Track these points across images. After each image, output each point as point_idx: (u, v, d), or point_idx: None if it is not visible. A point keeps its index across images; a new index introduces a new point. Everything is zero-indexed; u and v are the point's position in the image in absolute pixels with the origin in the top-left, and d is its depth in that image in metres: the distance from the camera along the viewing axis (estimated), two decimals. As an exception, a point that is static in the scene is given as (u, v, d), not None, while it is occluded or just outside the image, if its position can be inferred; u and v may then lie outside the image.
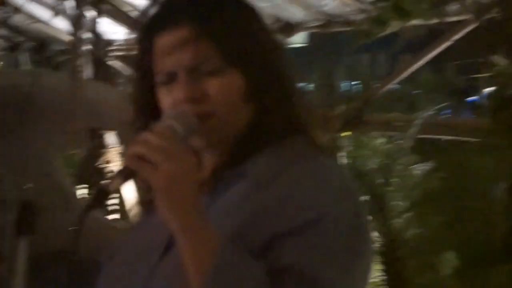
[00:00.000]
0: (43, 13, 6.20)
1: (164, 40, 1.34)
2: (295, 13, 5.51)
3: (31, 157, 4.66)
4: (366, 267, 1.32)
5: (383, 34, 3.39)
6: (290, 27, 5.65)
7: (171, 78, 1.34)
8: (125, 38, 6.95)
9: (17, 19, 6.38)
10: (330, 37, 6.92)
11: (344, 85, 8.91)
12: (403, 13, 2.86)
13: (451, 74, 6.97)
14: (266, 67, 1.36)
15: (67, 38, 5.80)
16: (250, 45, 1.35)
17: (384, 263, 4.08)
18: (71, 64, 4.35)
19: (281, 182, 1.29)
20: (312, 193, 1.28)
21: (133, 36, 1.44)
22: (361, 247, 1.29)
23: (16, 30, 6.64)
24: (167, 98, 1.35)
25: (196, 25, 1.32)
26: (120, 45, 7.22)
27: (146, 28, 1.39)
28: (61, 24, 6.10)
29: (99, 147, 5.12)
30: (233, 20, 1.36)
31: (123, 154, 1.28)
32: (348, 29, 4.90)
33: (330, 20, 5.21)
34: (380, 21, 3.16)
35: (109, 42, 7.23)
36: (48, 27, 6.45)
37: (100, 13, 5.68)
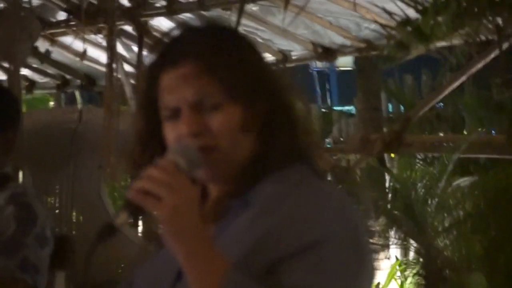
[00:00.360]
0: (90, 50, 6.36)
1: (169, 77, 1.41)
2: (334, 39, 5.56)
3: (79, 191, 4.81)
4: (364, 287, 1.35)
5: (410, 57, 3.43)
6: (329, 53, 5.71)
7: (176, 113, 1.40)
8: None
9: (65, 57, 6.54)
10: (374, 60, 6.94)
11: (390, 107, 8.93)
12: (423, 37, 2.88)
13: (496, 91, 6.90)
14: (266, 100, 1.41)
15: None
16: (250, 80, 1.41)
17: (425, 285, 4.08)
18: (106, 98, 4.44)
19: (283, 209, 1.33)
20: (312, 218, 1.32)
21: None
22: (360, 269, 1.32)
23: (65, 68, 6.79)
24: (172, 133, 1.40)
25: (199, 62, 1.39)
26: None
27: (152, 65, 1.46)
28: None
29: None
30: (233, 56, 1.42)
31: (128, 190, 1.32)
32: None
33: (368, 45, 5.26)
34: (402, 45, 3.19)
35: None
36: (96, 64, 6.59)
37: (142, 46, 5.79)
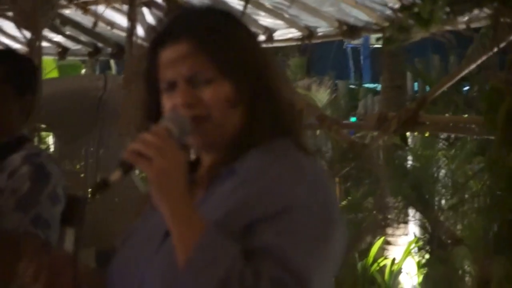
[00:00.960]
0: (122, 20, 6.52)
1: (167, 54, 1.55)
2: (359, 17, 5.64)
3: (104, 156, 4.99)
4: (333, 251, 1.48)
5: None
6: (354, 31, 5.80)
7: (172, 86, 1.55)
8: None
9: (98, 26, 6.71)
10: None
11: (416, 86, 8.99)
12: (423, 22, 2.97)
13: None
14: (253, 78, 1.55)
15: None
16: (239, 59, 1.55)
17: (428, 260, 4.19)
18: (126, 66, 4.59)
19: (262, 178, 1.47)
20: (286, 187, 1.46)
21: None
22: (327, 235, 1.46)
23: (96, 36, 6.96)
24: (168, 103, 1.55)
25: (193, 41, 1.53)
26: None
27: (152, 42, 1.61)
28: (139, 31, 6.40)
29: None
30: (225, 37, 1.56)
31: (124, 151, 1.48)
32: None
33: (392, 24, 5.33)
34: (403, 29, 3.28)
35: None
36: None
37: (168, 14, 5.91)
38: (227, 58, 1.54)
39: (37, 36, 3.92)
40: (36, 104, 2.73)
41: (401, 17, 3.22)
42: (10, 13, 6.24)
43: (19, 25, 3.97)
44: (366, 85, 12.89)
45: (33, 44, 3.81)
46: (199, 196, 1.56)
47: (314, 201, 1.46)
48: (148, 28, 6.15)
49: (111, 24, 6.56)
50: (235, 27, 1.62)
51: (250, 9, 6.03)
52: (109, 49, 7.26)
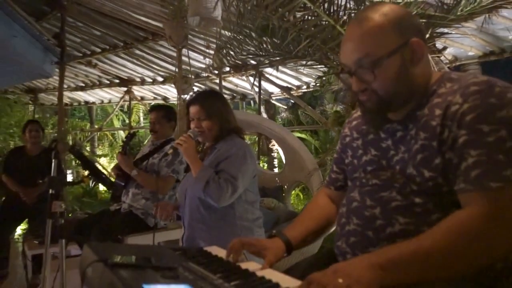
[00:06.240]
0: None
1: (191, 109, 4.11)
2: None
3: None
4: (248, 171, 3.85)
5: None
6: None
7: (192, 120, 4.09)
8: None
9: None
10: None
11: None
12: None
13: None
14: (221, 118, 4.02)
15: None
16: (215, 112, 4.02)
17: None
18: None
19: (223, 149, 3.93)
20: (229, 150, 3.87)
21: None
22: (244, 165, 3.81)
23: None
24: (192, 125, 4.07)
25: (199, 105, 4.07)
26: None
27: (187, 104, 4.18)
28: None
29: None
30: (210, 104, 4.05)
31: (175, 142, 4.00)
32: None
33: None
34: None
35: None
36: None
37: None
38: (210, 112, 4.01)
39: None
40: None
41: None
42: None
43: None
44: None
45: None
46: (206, 158, 4.08)
47: (239, 153, 3.80)
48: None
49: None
50: (216, 99, 4.10)
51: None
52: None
